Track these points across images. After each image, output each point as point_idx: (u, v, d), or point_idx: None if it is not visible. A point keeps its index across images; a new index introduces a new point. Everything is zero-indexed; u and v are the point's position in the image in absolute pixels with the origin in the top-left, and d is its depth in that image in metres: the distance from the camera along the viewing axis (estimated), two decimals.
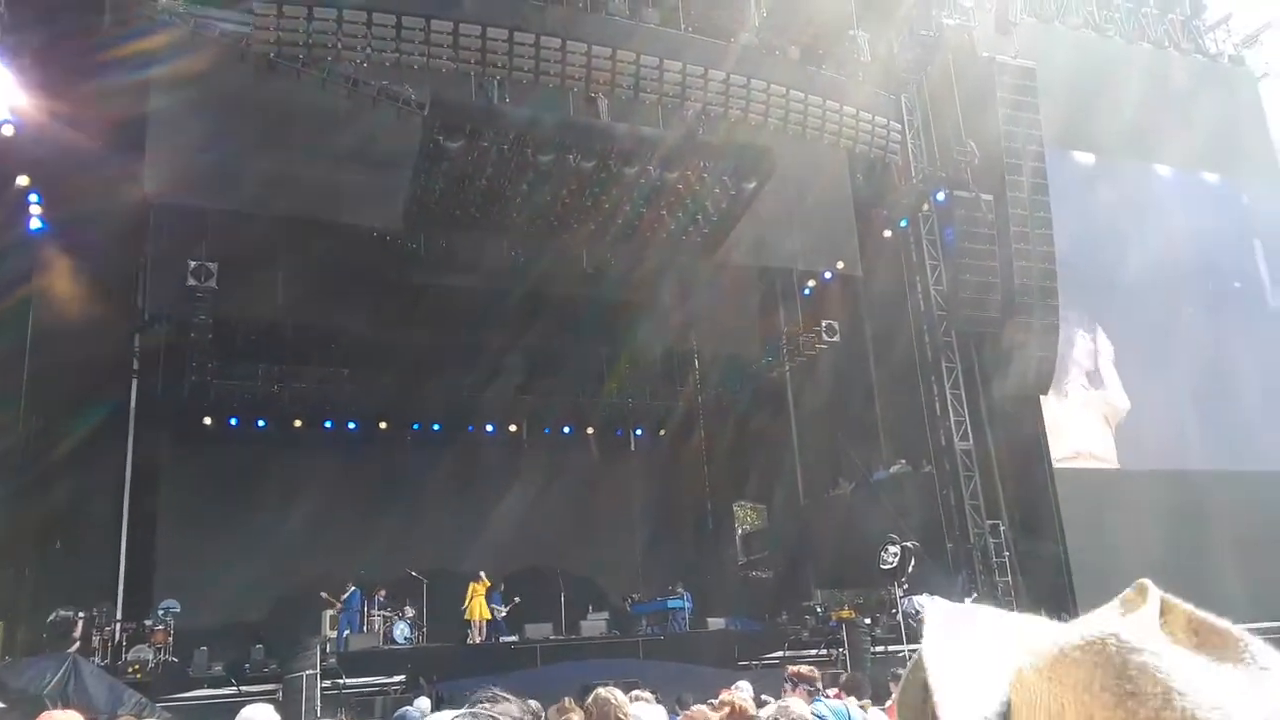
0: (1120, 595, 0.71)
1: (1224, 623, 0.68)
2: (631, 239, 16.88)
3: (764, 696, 6.98)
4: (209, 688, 13.38)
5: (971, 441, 17.52)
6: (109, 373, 17.83)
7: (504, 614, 17.54)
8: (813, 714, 5.45)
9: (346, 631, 15.79)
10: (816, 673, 6.34)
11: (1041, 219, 16.86)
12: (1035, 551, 16.71)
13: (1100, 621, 0.69)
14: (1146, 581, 0.71)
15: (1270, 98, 21.89)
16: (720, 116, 14.69)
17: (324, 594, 16.41)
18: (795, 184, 17.15)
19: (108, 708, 10.79)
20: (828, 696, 6.21)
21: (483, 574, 17.27)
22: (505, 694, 1.55)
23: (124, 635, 14.87)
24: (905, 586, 14.50)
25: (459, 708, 1.54)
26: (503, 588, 18.36)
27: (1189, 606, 0.69)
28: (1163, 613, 0.69)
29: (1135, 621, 0.68)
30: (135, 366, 18.79)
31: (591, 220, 16.13)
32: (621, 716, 4.30)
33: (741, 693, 6.41)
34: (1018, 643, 0.76)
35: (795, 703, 4.83)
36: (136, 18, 13.10)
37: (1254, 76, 22.12)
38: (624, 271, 18.29)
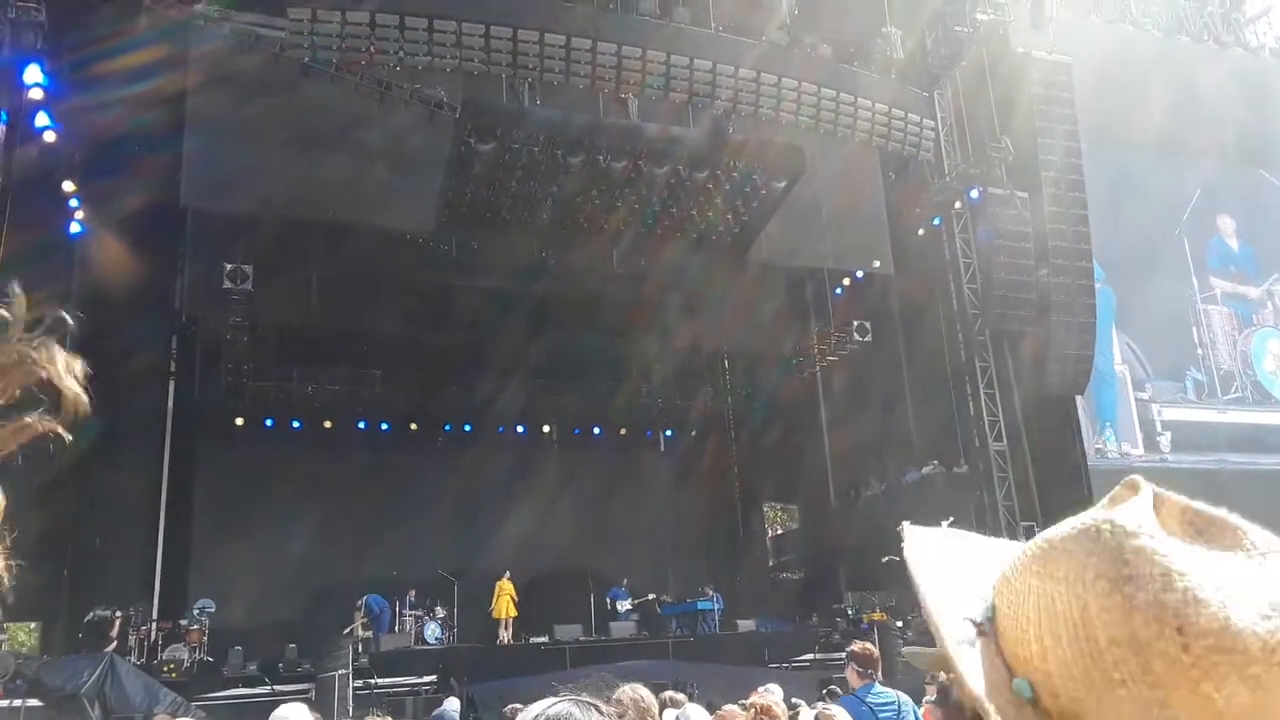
0: (1109, 494, 0.69)
1: (1221, 511, 0.67)
2: (661, 239, 16.85)
3: (794, 699, 6.91)
4: (243, 687, 13.50)
5: (1005, 442, 17.30)
6: (147, 374, 18.07)
7: (630, 607, 17.94)
8: (866, 701, 5.34)
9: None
10: (875, 652, 5.97)
11: (1077, 216, 16.62)
12: None
13: (1090, 513, 0.67)
14: (1137, 477, 0.70)
15: None
16: (750, 115, 14.63)
17: (352, 628, 15.32)
18: (826, 183, 17.03)
19: (144, 706, 10.92)
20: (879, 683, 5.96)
21: (506, 573, 17.33)
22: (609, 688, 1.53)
23: (160, 635, 15.06)
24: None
25: (491, 709, 1.52)
26: (625, 583, 18.56)
27: (1184, 499, 0.68)
28: (1156, 506, 0.67)
29: (1128, 511, 0.66)
30: (172, 368, 19.05)
31: (621, 220, 16.12)
32: (650, 719, 4.26)
33: (772, 695, 6.35)
34: (999, 554, 0.75)
35: (837, 710, 4.72)
36: (173, 23, 13.25)
37: None
38: (654, 271, 18.27)
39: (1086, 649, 0.63)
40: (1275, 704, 0.59)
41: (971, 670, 0.69)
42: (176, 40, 13.55)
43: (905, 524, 0.83)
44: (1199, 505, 0.67)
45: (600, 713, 1.43)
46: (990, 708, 0.66)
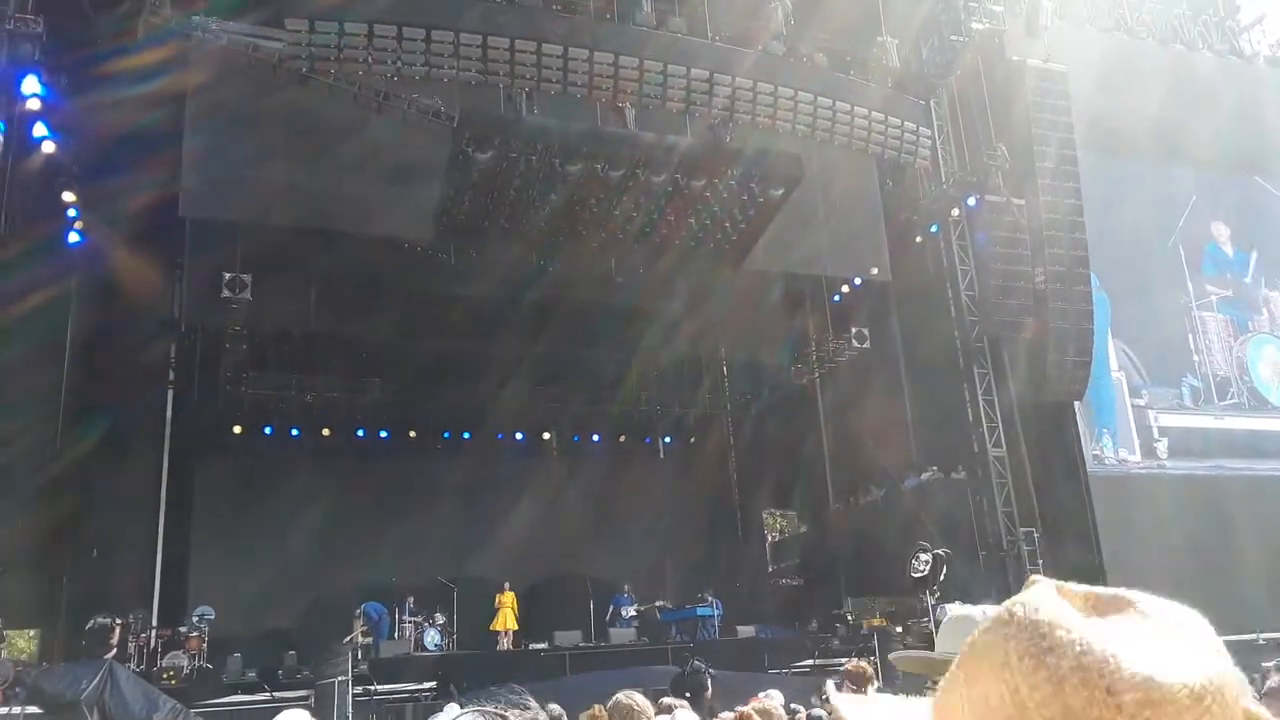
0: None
1: (1116, 590, 0.69)
2: (659, 247, 16.90)
3: (793, 705, 6.94)
4: (242, 694, 13.50)
5: (1004, 447, 17.35)
6: (146, 382, 18.14)
7: (635, 613, 18.01)
8: None
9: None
10: (868, 672, 6.10)
11: (1073, 223, 16.69)
12: (1070, 559, 16.51)
13: (997, 609, 0.69)
14: (1037, 576, 0.72)
15: None
16: (747, 123, 14.68)
17: (352, 636, 15.41)
18: (823, 190, 17.09)
19: (143, 713, 10.94)
20: None
21: (506, 585, 17.36)
22: (523, 696, 1.56)
23: (159, 642, 15.08)
24: (936, 594, 14.37)
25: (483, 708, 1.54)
26: (627, 589, 18.64)
27: (1082, 586, 0.69)
28: (1058, 592, 0.69)
29: (1032, 595, 0.68)
30: (171, 376, 19.10)
31: (619, 229, 16.18)
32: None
33: (773, 700, 6.38)
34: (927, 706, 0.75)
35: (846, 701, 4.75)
36: (170, 34, 13.32)
37: None
38: (652, 279, 18.32)
39: None
40: None
41: None
42: (174, 51, 13.60)
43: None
44: (1097, 588, 0.69)
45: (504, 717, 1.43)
46: None
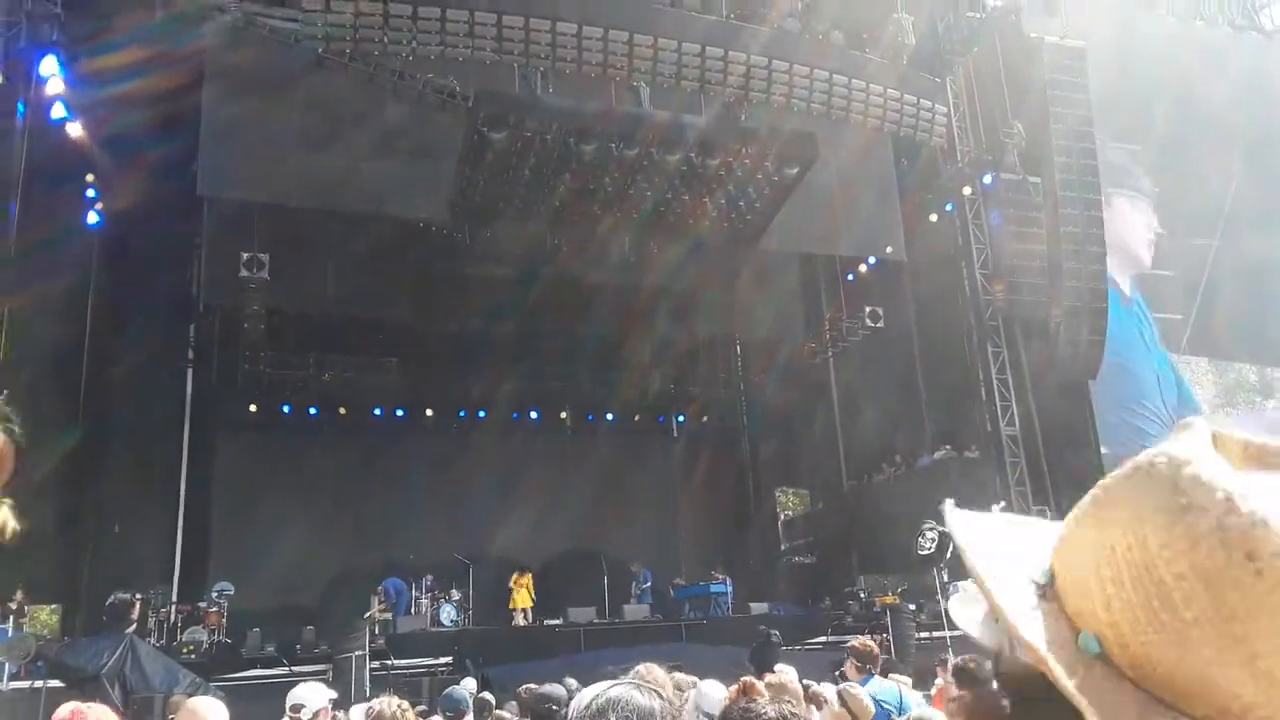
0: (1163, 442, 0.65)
1: None
2: (674, 226, 16.90)
3: (806, 681, 7.03)
4: (261, 668, 13.69)
5: (1018, 426, 17.34)
6: (165, 362, 18.32)
7: (648, 586, 18.44)
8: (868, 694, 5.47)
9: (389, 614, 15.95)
10: (874, 648, 6.17)
11: (1090, 200, 16.59)
12: None
13: (1143, 454, 0.64)
14: (1191, 419, 0.66)
15: None
16: (762, 102, 14.62)
17: (370, 613, 15.49)
18: (838, 169, 17.02)
19: (163, 687, 11.09)
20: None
21: (522, 569, 17.53)
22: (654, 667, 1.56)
23: (179, 617, 15.31)
24: (945, 571, 14.40)
25: (506, 691, 1.58)
26: (634, 567, 18.82)
27: (1244, 434, 0.64)
28: (1214, 442, 0.63)
29: (1181, 445, 0.62)
30: (190, 356, 19.27)
31: (634, 208, 16.18)
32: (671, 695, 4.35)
33: (786, 676, 6.46)
34: (1048, 529, 0.73)
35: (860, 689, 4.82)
36: (187, 14, 13.37)
37: None
38: (667, 259, 18.33)
39: (1153, 590, 0.59)
40: None
41: (1034, 634, 0.65)
42: (191, 30, 13.65)
43: (948, 503, 0.83)
44: (1259, 438, 0.63)
45: (661, 698, 1.43)
46: (1059, 668, 0.62)
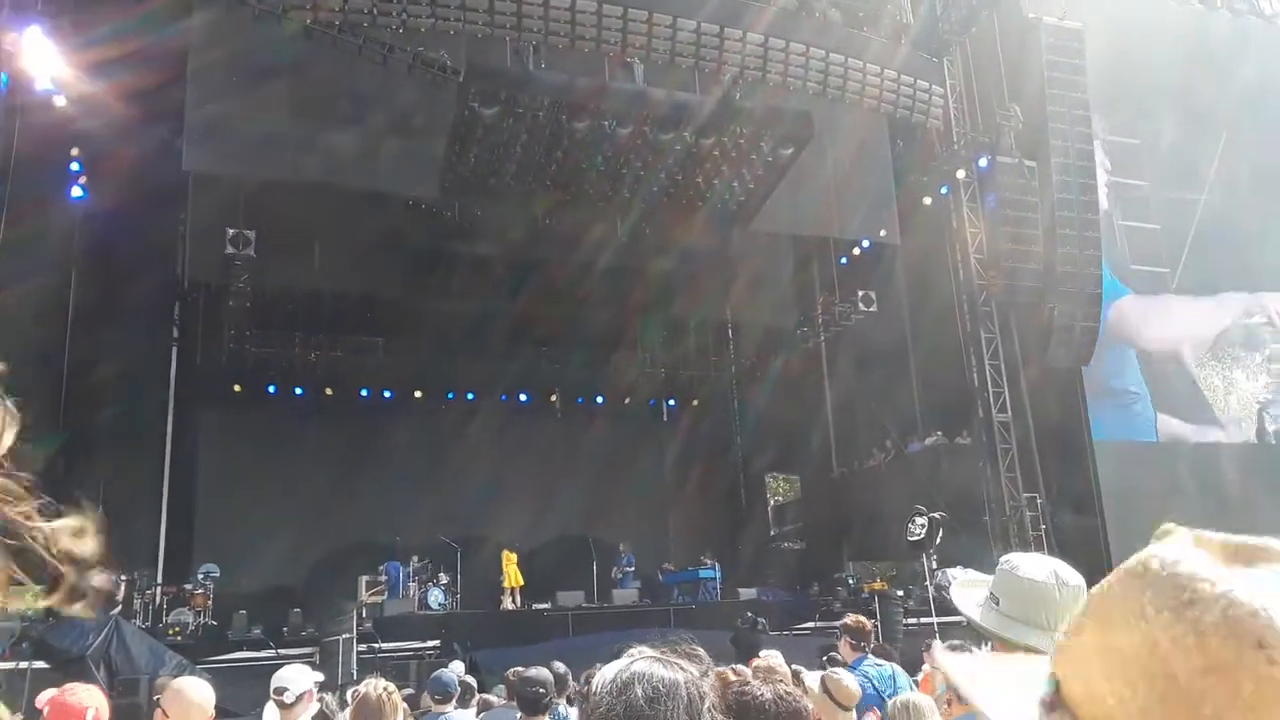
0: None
1: (1261, 540, 0.64)
2: (667, 206, 16.73)
3: (794, 666, 6.92)
4: (247, 650, 13.59)
5: (1010, 413, 17.27)
6: (150, 341, 18.08)
7: (632, 569, 18.32)
8: (862, 672, 5.35)
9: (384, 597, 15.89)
10: (868, 626, 6.04)
11: (1085, 185, 16.49)
12: (1073, 525, 16.49)
13: (1129, 560, 0.65)
14: (1170, 525, 0.68)
15: None
16: (758, 81, 14.45)
17: (359, 602, 15.47)
18: (833, 150, 16.86)
19: (149, 668, 10.99)
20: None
21: (505, 550, 17.43)
22: (693, 645, 1.55)
23: (164, 599, 15.17)
24: (934, 558, 14.38)
25: (494, 675, 1.51)
26: (620, 548, 18.79)
27: (1222, 535, 0.65)
28: (1195, 542, 0.65)
29: (1167, 546, 0.65)
30: (175, 335, 19.03)
31: (626, 188, 16.00)
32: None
33: (773, 660, 6.35)
34: (1039, 660, 0.73)
35: (844, 673, 4.68)
36: None
37: None
38: (658, 240, 18.17)
39: (1167, 690, 0.59)
40: None
41: None
42: (178, 2, 13.39)
43: (960, 571, 0.81)
44: (1238, 537, 0.65)
45: (683, 669, 1.43)
46: None
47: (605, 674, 1.43)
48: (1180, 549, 0.64)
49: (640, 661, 1.42)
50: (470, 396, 22.20)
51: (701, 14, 13.57)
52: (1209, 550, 0.64)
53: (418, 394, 21.66)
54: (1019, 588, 2.15)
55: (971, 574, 2.68)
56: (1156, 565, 0.63)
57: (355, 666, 12.36)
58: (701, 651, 1.54)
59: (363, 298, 19.64)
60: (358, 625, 13.20)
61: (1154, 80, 18.52)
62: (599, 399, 23.63)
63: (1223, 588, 0.59)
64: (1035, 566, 2.17)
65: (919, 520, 14.49)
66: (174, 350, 18.99)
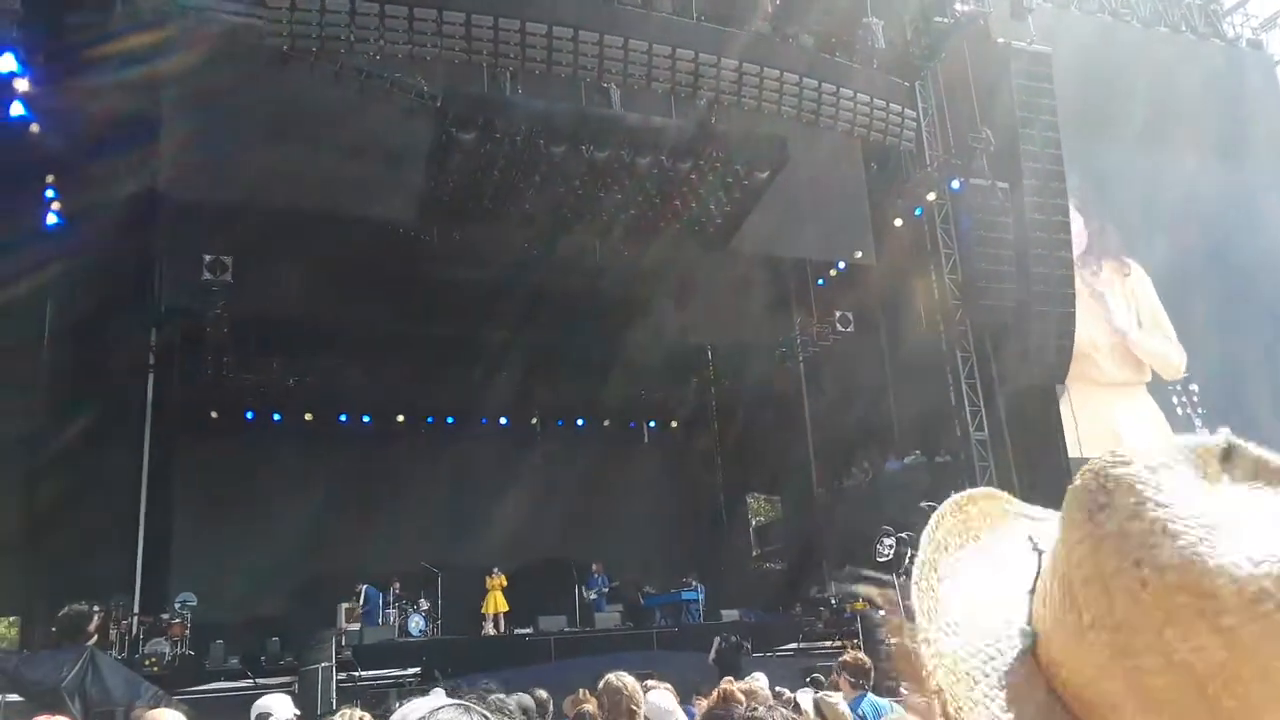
0: None
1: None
2: (645, 230, 16.83)
3: (779, 688, 6.94)
4: (225, 680, 13.42)
5: (987, 432, 17.41)
6: (126, 367, 17.91)
7: (607, 590, 18.23)
8: (856, 713, 5.25)
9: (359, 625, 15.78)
10: (868, 665, 5.73)
11: (1058, 206, 16.72)
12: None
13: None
14: (1224, 431, 0.61)
15: None
16: (733, 105, 14.60)
17: (346, 606, 16.05)
18: (808, 174, 17.03)
19: (125, 700, 10.82)
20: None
21: (495, 570, 17.32)
22: (494, 692, 1.56)
23: (141, 629, 14.95)
24: (904, 579, 14.34)
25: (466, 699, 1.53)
26: (595, 569, 18.63)
27: (1261, 451, 0.58)
28: (1226, 455, 0.59)
29: (1153, 445, 0.58)
30: (151, 361, 18.86)
31: (604, 211, 16.09)
32: (634, 706, 4.25)
33: (757, 682, 6.37)
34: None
35: (838, 697, 4.67)
36: (150, 12, 13.11)
37: (1272, 61, 21.87)
38: (636, 263, 18.24)
39: (1065, 589, 0.57)
40: (1260, 671, 0.47)
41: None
42: (154, 28, 13.38)
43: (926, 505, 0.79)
44: (1273, 456, 0.57)
45: (486, 717, 1.43)
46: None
47: (407, 714, 1.40)
48: (1158, 449, 0.58)
49: (446, 709, 1.40)
50: (450, 420, 22.13)
51: (677, 40, 13.71)
52: (1240, 464, 0.58)
53: (398, 418, 21.59)
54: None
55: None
56: (1102, 462, 0.59)
57: (335, 695, 12.24)
58: (513, 705, 1.57)
59: (341, 322, 19.55)
60: (336, 653, 13.08)
61: (1120, 106, 18.81)
62: (579, 422, 23.61)
63: (1137, 498, 0.54)
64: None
65: (887, 541, 14.47)
66: (150, 376, 18.82)
